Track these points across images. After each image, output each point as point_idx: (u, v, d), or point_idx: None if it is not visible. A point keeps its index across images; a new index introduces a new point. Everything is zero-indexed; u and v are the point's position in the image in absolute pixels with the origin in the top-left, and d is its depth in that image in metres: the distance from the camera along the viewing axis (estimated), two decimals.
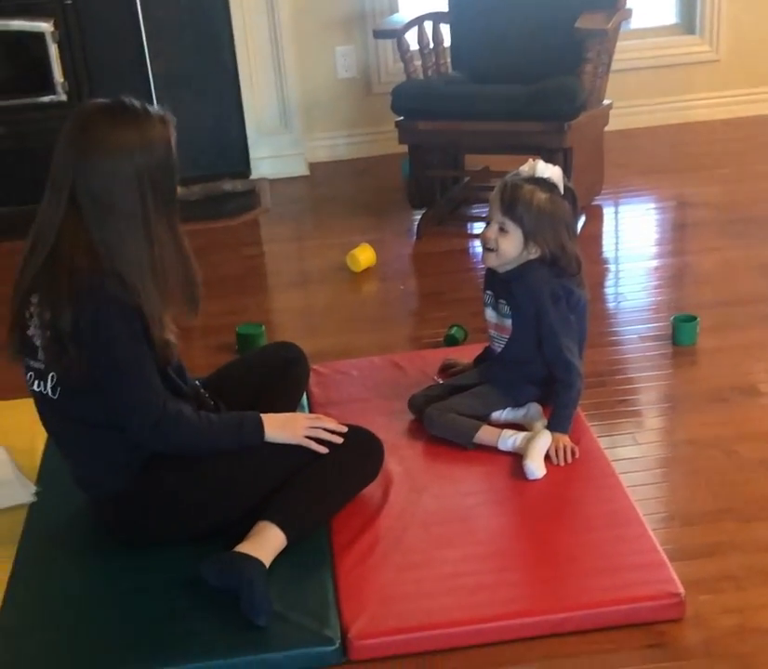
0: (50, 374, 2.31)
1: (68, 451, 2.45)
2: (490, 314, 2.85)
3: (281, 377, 2.76)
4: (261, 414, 2.42)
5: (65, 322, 2.19)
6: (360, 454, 2.50)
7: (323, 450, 2.43)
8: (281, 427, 2.42)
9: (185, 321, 2.39)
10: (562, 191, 2.72)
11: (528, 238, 2.69)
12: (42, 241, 2.25)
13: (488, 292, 2.85)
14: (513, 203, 2.68)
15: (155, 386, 2.30)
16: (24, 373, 2.39)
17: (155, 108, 2.26)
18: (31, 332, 2.30)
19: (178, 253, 2.29)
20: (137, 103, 2.24)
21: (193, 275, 2.34)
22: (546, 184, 2.69)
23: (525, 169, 2.71)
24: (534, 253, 2.71)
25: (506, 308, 2.78)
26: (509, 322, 2.79)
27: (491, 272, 2.82)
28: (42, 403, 2.40)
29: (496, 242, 2.71)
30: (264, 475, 2.42)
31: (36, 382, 2.35)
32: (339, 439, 2.45)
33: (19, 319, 2.31)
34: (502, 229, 2.70)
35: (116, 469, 2.37)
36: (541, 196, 2.68)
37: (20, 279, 2.31)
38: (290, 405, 2.78)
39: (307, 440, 2.43)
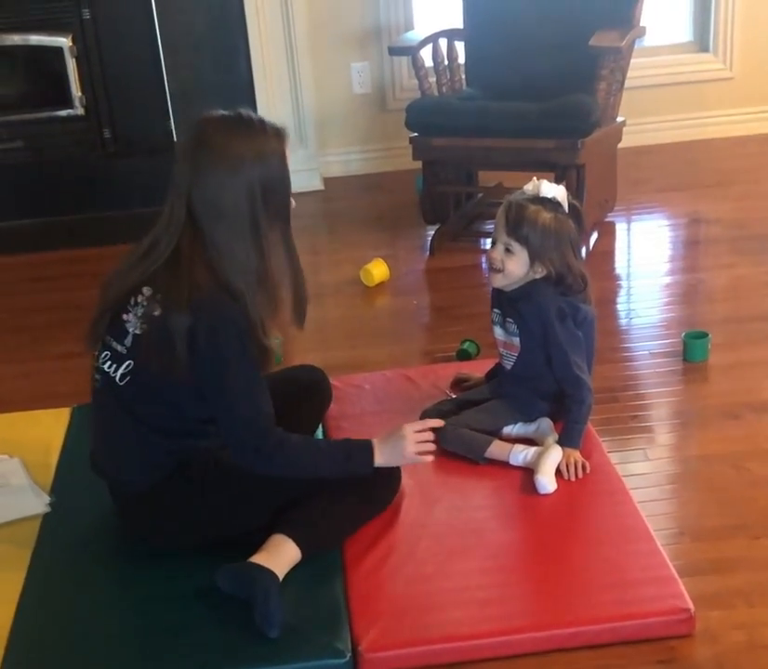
0: (127, 362, 2.33)
1: (106, 439, 2.46)
2: (498, 332, 2.87)
3: (304, 401, 2.77)
4: (375, 450, 2.42)
5: (178, 326, 2.22)
6: (379, 477, 2.51)
7: (430, 459, 2.47)
8: (390, 454, 2.43)
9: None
10: (566, 210, 2.73)
11: (534, 258, 2.71)
12: (165, 240, 2.28)
13: (496, 310, 2.86)
14: (518, 224, 2.69)
15: (264, 409, 2.33)
16: (98, 351, 2.40)
17: (272, 122, 2.29)
18: (127, 318, 2.32)
19: (289, 264, 2.34)
20: (254, 116, 2.28)
21: (302, 286, 2.38)
22: (550, 203, 2.70)
23: (530, 188, 2.72)
24: (540, 272, 2.73)
25: (513, 327, 2.80)
26: (517, 340, 2.80)
27: (498, 291, 2.84)
28: (102, 386, 2.40)
29: (503, 263, 2.73)
30: (284, 486, 2.43)
31: (109, 363, 2.36)
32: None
33: (119, 302, 2.33)
34: (508, 250, 2.72)
35: (149, 467, 2.39)
36: (546, 216, 2.69)
37: (134, 269, 2.33)
38: (311, 428, 2.81)
39: (417, 457, 2.45)
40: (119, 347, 2.35)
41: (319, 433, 2.91)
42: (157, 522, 2.44)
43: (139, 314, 2.30)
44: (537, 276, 2.74)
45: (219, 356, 2.25)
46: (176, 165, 2.28)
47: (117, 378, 2.35)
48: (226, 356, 2.26)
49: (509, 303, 2.80)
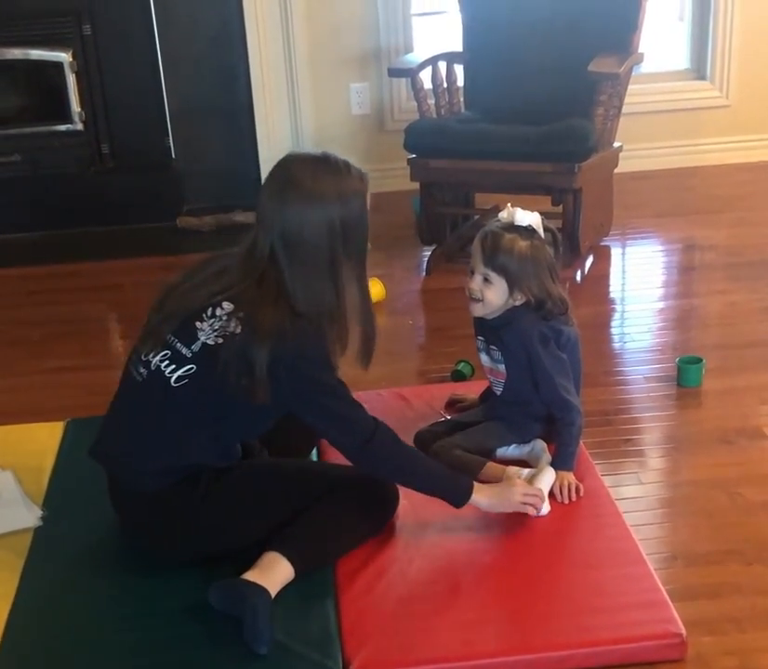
0: (190, 366, 2.35)
1: (127, 432, 2.45)
2: (484, 359, 2.88)
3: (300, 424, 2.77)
4: (475, 483, 2.53)
5: (262, 353, 2.26)
6: (376, 499, 2.54)
7: (533, 511, 2.56)
8: (497, 497, 2.55)
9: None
10: (541, 236, 2.73)
11: (512, 286, 2.71)
12: (246, 270, 2.35)
13: (480, 338, 2.87)
14: (495, 254, 2.69)
15: (357, 415, 2.43)
16: (150, 349, 2.41)
17: (356, 166, 2.37)
18: (201, 326, 2.35)
19: (361, 302, 2.42)
20: (340, 159, 2.36)
21: (372, 325, 2.46)
22: (525, 231, 2.70)
23: (504, 215, 2.72)
24: (519, 299, 2.73)
25: (497, 354, 2.80)
26: (502, 367, 2.81)
27: (480, 319, 2.84)
28: (146, 381, 2.41)
29: (482, 293, 2.74)
30: (284, 504, 2.45)
31: (167, 363, 2.38)
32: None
33: (194, 310, 2.36)
34: (486, 280, 2.72)
35: (162, 470, 2.39)
36: (522, 244, 2.69)
37: (211, 284, 2.38)
38: (306, 447, 2.82)
39: (523, 506, 2.55)
40: (184, 350, 2.37)
41: (314, 454, 2.91)
42: (153, 524, 2.44)
43: (216, 326, 2.34)
44: (517, 303, 2.74)
45: (306, 385, 2.34)
46: (261, 200, 2.36)
47: (173, 379, 2.36)
48: (311, 384, 2.35)
49: (491, 331, 2.81)
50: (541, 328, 2.73)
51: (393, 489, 2.58)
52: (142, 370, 2.42)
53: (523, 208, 2.73)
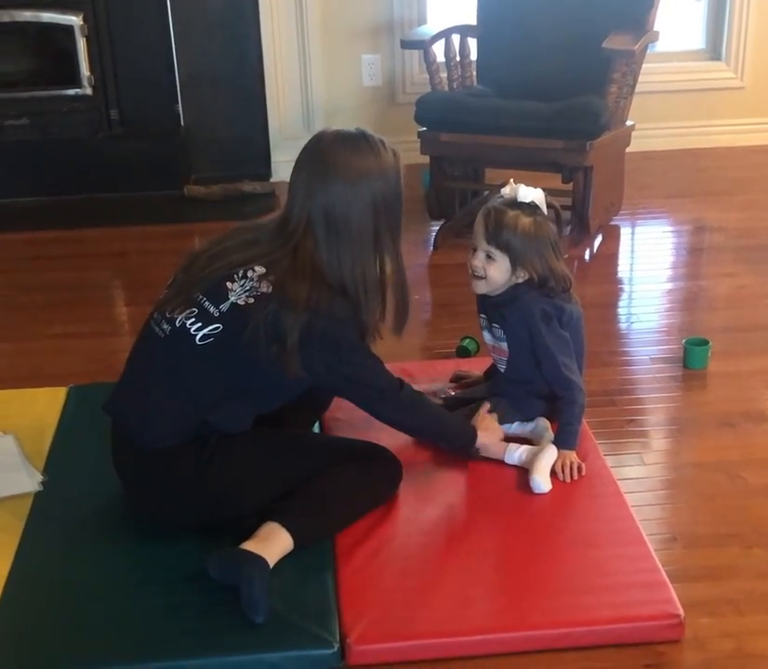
0: (216, 325, 2.37)
1: (144, 386, 2.45)
2: (487, 337, 2.86)
3: (304, 401, 2.75)
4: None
5: (294, 321, 2.30)
6: (379, 473, 2.56)
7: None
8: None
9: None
10: (545, 212, 2.71)
11: (515, 263, 2.69)
12: (279, 242, 2.38)
13: (482, 315, 2.85)
14: (498, 231, 2.67)
15: (384, 380, 2.51)
16: (178, 304, 2.42)
17: (387, 141, 2.42)
18: (232, 287, 2.36)
19: (399, 272, 2.48)
20: (375, 136, 2.41)
21: (407, 295, 2.52)
22: (529, 207, 2.68)
23: (507, 191, 2.70)
24: (522, 277, 2.71)
25: (500, 332, 2.79)
26: (504, 345, 2.80)
27: (483, 297, 2.82)
28: (169, 337, 2.41)
29: (484, 270, 2.72)
30: (287, 476, 2.45)
31: (193, 320, 2.38)
32: None
33: (226, 270, 2.38)
34: (489, 257, 2.70)
35: (175, 428, 2.40)
36: (525, 221, 2.66)
37: (243, 250, 2.40)
38: (309, 419, 2.83)
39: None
40: (211, 309, 2.38)
41: (315, 427, 2.91)
42: (155, 483, 2.44)
43: (247, 287, 2.35)
44: (520, 280, 2.72)
45: (337, 354, 2.38)
46: (298, 177, 2.39)
47: (198, 337, 2.37)
48: (342, 353, 2.39)
49: (493, 309, 2.79)
50: (544, 306, 2.72)
51: (397, 463, 2.59)
52: (166, 326, 2.43)
53: (526, 184, 2.70)
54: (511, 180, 2.73)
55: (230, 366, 2.38)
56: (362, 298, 2.39)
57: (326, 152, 2.37)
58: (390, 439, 2.70)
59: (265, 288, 2.34)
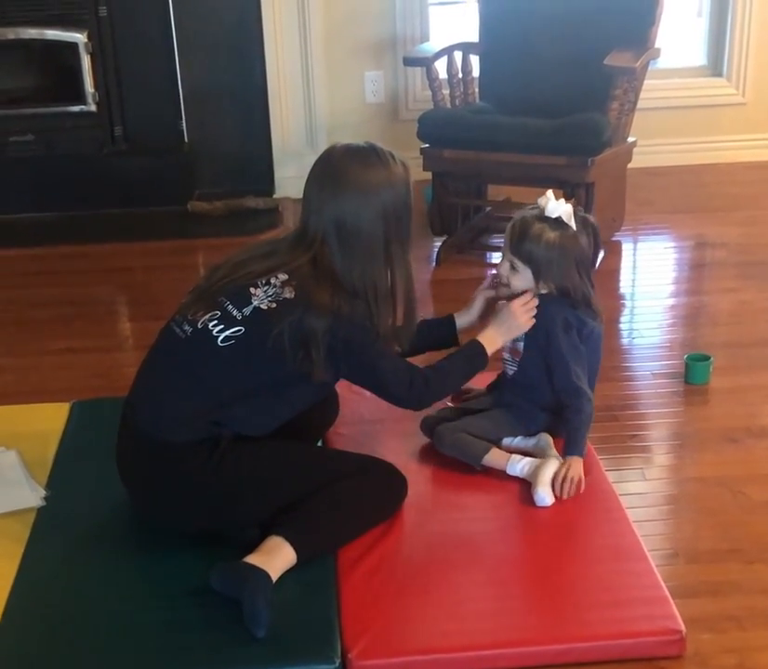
0: (239, 328, 2.40)
1: (163, 391, 2.47)
2: None
3: (310, 415, 2.75)
4: (481, 341, 2.71)
5: (318, 327, 2.36)
6: (384, 489, 2.57)
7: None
8: (507, 331, 2.74)
9: None
10: (573, 227, 2.72)
11: (538, 276, 2.72)
12: (298, 253, 2.44)
13: None
14: (521, 242, 2.70)
15: (404, 372, 2.54)
16: (202, 307, 2.45)
17: (397, 154, 2.47)
18: (255, 292, 2.41)
19: (409, 280, 2.53)
20: (384, 149, 2.46)
21: (414, 307, 2.58)
22: (556, 222, 2.70)
23: (542, 202, 2.72)
24: (544, 289, 2.74)
25: None
26: (521, 346, 2.81)
27: (508, 297, 2.84)
28: (189, 337, 2.44)
29: (508, 279, 2.75)
30: (291, 489, 2.46)
31: (216, 322, 2.42)
32: None
33: (250, 278, 2.43)
34: (513, 267, 2.73)
35: (186, 427, 2.42)
36: (550, 235, 2.69)
37: (264, 261, 2.45)
38: (313, 438, 2.83)
39: (530, 319, 2.72)
40: (235, 312, 2.42)
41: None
42: (161, 481, 2.44)
43: (270, 292, 2.40)
44: (542, 292, 2.74)
45: (361, 355, 2.44)
46: (311, 191, 2.45)
47: (220, 338, 2.41)
48: (365, 355, 2.45)
49: None
50: (567, 315, 2.74)
51: (401, 479, 2.59)
52: (187, 327, 2.46)
53: (555, 198, 2.72)
54: (549, 192, 2.75)
55: (249, 368, 2.42)
56: (372, 307, 2.44)
57: (337, 166, 2.42)
58: (394, 454, 2.71)
59: (288, 294, 2.39)
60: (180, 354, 2.48)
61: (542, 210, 2.71)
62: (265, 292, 2.41)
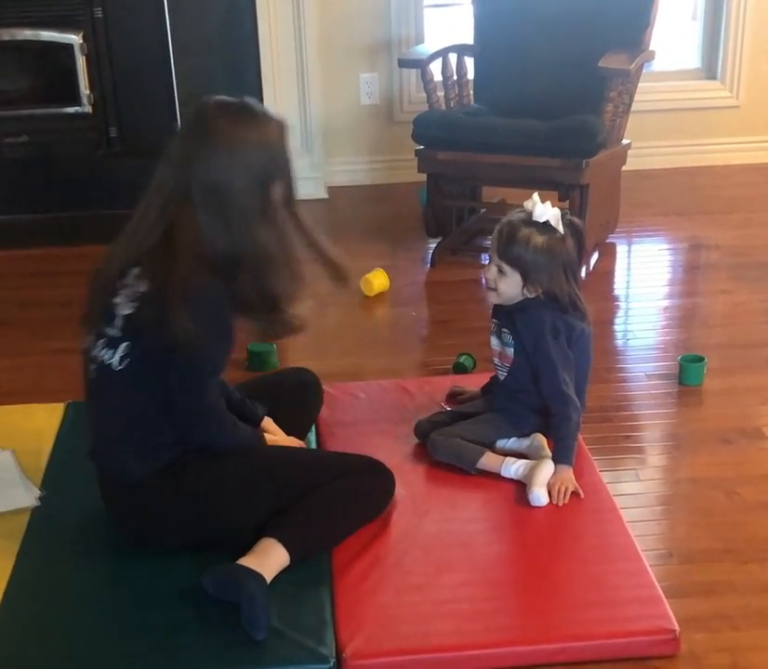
0: (124, 343, 2.33)
1: (106, 428, 2.44)
2: (494, 342, 2.88)
3: (295, 402, 2.79)
4: (266, 436, 2.59)
5: (171, 309, 2.22)
6: (372, 486, 2.55)
7: None
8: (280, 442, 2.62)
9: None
10: (561, 232, 2.73)
11: (526, 280, 2.72)
12: (154, 217, 2.30)
13: (494, 320, 2.87)
14: (509, 246, 2.70)
15: (218, 382, 2.42)
16: (91, 341, 2.40)
17: (272, 112, 2.35)
18: (117, 300, 2.33)
19: (308, 238, 2.44)
20: (259, 106, 2.34)
21: (328, 255, 2.50)
22: (544, 226, 2.70)
23: (529, 206, 2.72)
24: (532, 293, 2.74)
25: (509, 338, 2.80)
26: (511, 351, 2.81)
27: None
28: (99, 375, 2.39)
29: (495, 283, 2.75)
30: (277, 493, 2.44)
31: (105, 350, 2.36)
32: None
33: (107, 289, 2.35)
34: (500, 271, 2.73)
35: (149, 454, 2.39)
36: (538, 239, 2.69)
37: (116, 256, 2.36)
38: (302, 431, 2.82)
39: None
40: (112, 332, 2.35)
41: (312, 438, 2.92)
42: (148, 516, 2.43)
43: (129, 293, 2.31)
44: (530, 296, 2.75)
45: (204, 333, 2.26)
46: (173, 144, 2.31)
47: (116, 362, 2.34)
48: (212, 328, 2.29)
49: (506, 314, 2.81)
50: (555, 320, 2.74)
51: (389, 475, 2.58)
52: (93, 366, 2.41)
53: (542, 202, 2.71)
54: (535, 195, 2.75)
55: (157, 375, 2.33)
56: (256, 270, 2.31)
57: (206, 121, 2.28)
58: (389, 455, 2.72)
59: (143, 287, 2.29)
60: (101, 393, 2.43)
61: (529, 214, 2.71)
62: (125, 295, 2.31)
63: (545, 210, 2.70)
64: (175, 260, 2.26)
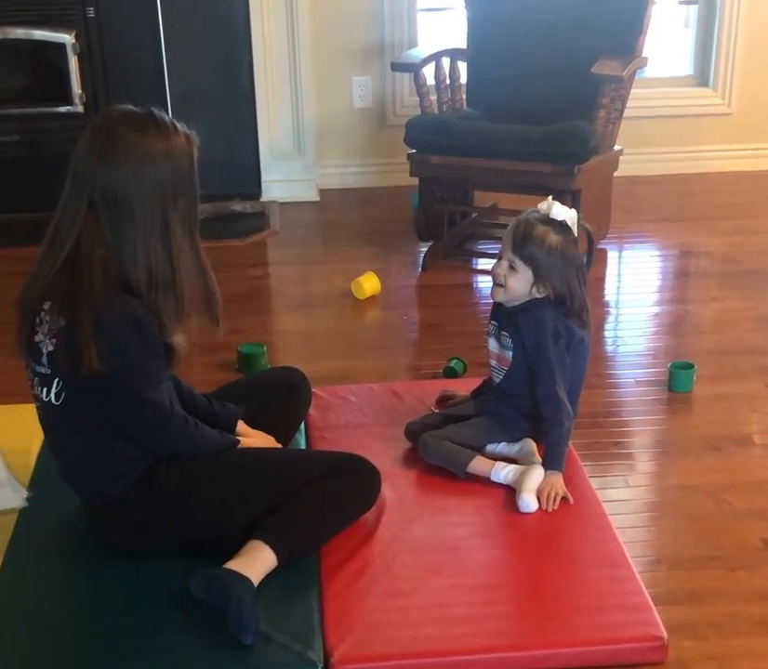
0: (55, 380, 2.31)
1: (68, 457, 2.44)
2: (493, 344, 2.87)
3: (282, 401, 2.78)
4: (241, 439, 2.52)
5: (84, 331, 2.19)
6: (358, 484, 2.53)
7: None
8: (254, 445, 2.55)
9: (209, 332, 2.44)
10: (575, 235, 2.73)
11: (537, 278, 2.71)
12: (57, 245, 2.27)
13: (493, 322, 2.86)
14: (524, 243, 2.69)
15: (165, 389, 2.36)
16: (29, 378, 2.39)
17: (182, 125, 2.30)
18: (38, 338, 2.30)
19: (197, 265, 2.33)
20: (165, 116, 2.28)
21: (211, 287, 2.36)
22: (560, 226, 2.70)
23: (543, 207, 2.72)
24: (541, 292, 2.73)
25: (508, 341, 2.80)
26: (509, 354, 2.80)
27: (498, 304, 2.84)
28: (44, 410, 2.39)
29: (505, 279, 2.74)
30: (262, 493, 2.42)
31: (40, 388, 2.35)
32: None
33: (28, 324, 2.33)
34: (511, 267, 2.72)
35: (115, 476, 2.37)
36: (554, 238, 2.69)
37: (33, 283, 2.33)
38: (289, 430, 2.81)
39: None
40: (41, 369, 2.32)
41: (302, 441, 2.91)
42: (129, 531, 2.42)
43: (46, 331, 2.28)
44: (539, 295, 2.73)
45: (124, 346, 2.23)
46: (77, 156, 2.26)
47: (53, 399, 2.32)
48: (130, 344, 2.24)
49: (507, 317, 2.80)
50: (557, 324, 2.73)
51: (374, 472, 2.55)
52: (38, 404, 2.40)
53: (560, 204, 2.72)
54: (550, 197, 2.76)
55: (103, 405, 2.30)
56: (150, 293, 2.25)
57: (111, 130, 2.23)
58: (379, 458, 2.69)
59: (60, 322, 2.24)
60: (52, 427, 2.41)
61: (545, 214, 2.71)
62: (44, 332, 2.28)
63: (562, 210, 2.70)
64: (82, 288, 2.20)
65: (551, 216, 2.69)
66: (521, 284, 2.72)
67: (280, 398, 2.79)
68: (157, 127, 2.24)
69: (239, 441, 2.52)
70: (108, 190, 2.21)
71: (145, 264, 2.24)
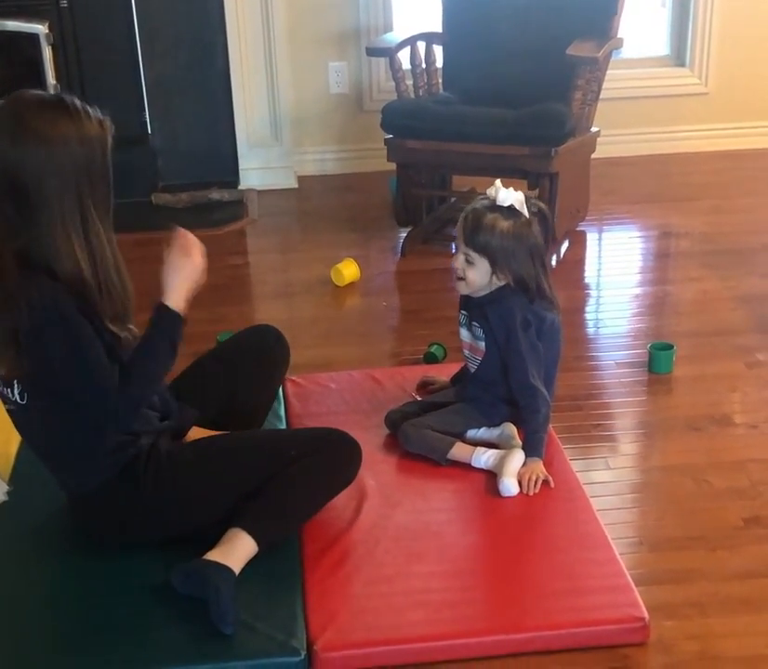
0: (14, 380, 2.28)
1: (43, 454, 2.43)
2: (464, 334, 2.87)
3: (260, 362, 2.74)
4: (166, 304, 2.31)
5: (7, 326, 2.15)
6: (336, 460, 2.49)
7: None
8: (187, 282, 2.34)
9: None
10: (527, 216, 2.72)
11: (494, 267, 2.70)
12: None
13: (463, 312, 2.86)
14: (475, 234, 2.68)
15: (107, 371, 2.23)
16: None
17: (96, 111, 2.21)
18: None
19: (114, 258, 2.25)
20: (77, 102, 2.19)
21: (123, 281, 2.28)
22: (509, 211, 2.68)
23: (491, 193, 2.71)
24: (501, 279, 2.72)
25: (479, 331, 2.80)
26: (482, 344, 2.80)
27: (466, 295, 2.84)
28: (12, 409, 2.36)
29: (464, 272, 2.73)
30: (240, 480, 2.41)
31: (3, 388, 2.32)
32: None
33: None
34: (468, 260, 2.72)
35: (95, 468, 2.36)
36: (504, 224, 2.67)
37: None
38: (271, 390, 2.80)
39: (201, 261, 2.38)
40: (1, 371, 2.27)
41: (282, 416, 2.91)
42: (110, 525, 2.42)
43: None
44: (500, 283, 2.73)
45: (51, 337, 2.17)
46: None
47: (18, 399, 2.29)
48: (57, 336, 2.17)
49: (476, 307, 2.80)
50: (526, 313, 2.73)
51: (353, 444, 2.51)
52: (6, 404, 2.36)
53: (505, 187, 2.70)
54: (497, 181, 2.73)
55: (59, 401, 2.27)
56: (76, 279, 2.17)
57: (18, 114, 2.15)
58: (361, 440, 2.67)
59: None
60: (24, 426, 2.39)
61: (493, 200, 2.70)
62: None
63: (508, 194, 2.68)
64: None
65: (498, 203, 2.68)
66: (480, 275, 2.72)
67: (258, 360, 2.75)
68: (66, 111, 2.16)
69: (179, 315, 2.31)
70: (22, 178, 2.13)
71: (66, 252, 2.16)
